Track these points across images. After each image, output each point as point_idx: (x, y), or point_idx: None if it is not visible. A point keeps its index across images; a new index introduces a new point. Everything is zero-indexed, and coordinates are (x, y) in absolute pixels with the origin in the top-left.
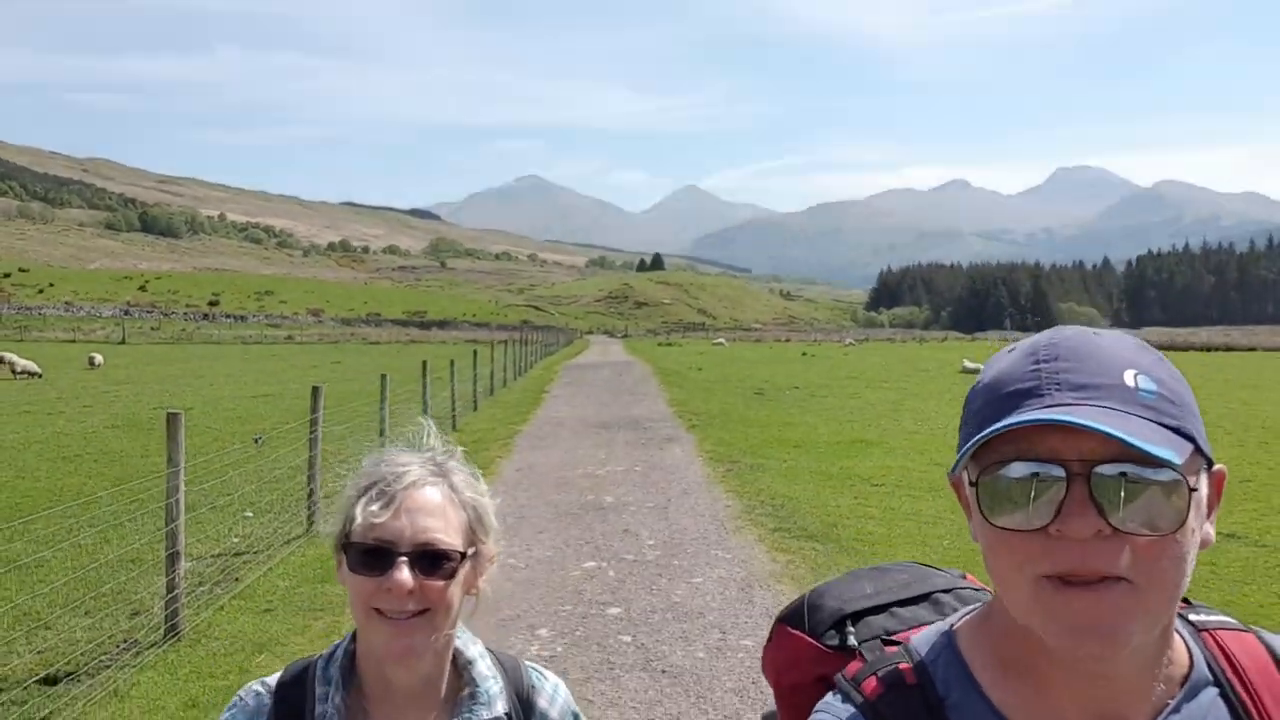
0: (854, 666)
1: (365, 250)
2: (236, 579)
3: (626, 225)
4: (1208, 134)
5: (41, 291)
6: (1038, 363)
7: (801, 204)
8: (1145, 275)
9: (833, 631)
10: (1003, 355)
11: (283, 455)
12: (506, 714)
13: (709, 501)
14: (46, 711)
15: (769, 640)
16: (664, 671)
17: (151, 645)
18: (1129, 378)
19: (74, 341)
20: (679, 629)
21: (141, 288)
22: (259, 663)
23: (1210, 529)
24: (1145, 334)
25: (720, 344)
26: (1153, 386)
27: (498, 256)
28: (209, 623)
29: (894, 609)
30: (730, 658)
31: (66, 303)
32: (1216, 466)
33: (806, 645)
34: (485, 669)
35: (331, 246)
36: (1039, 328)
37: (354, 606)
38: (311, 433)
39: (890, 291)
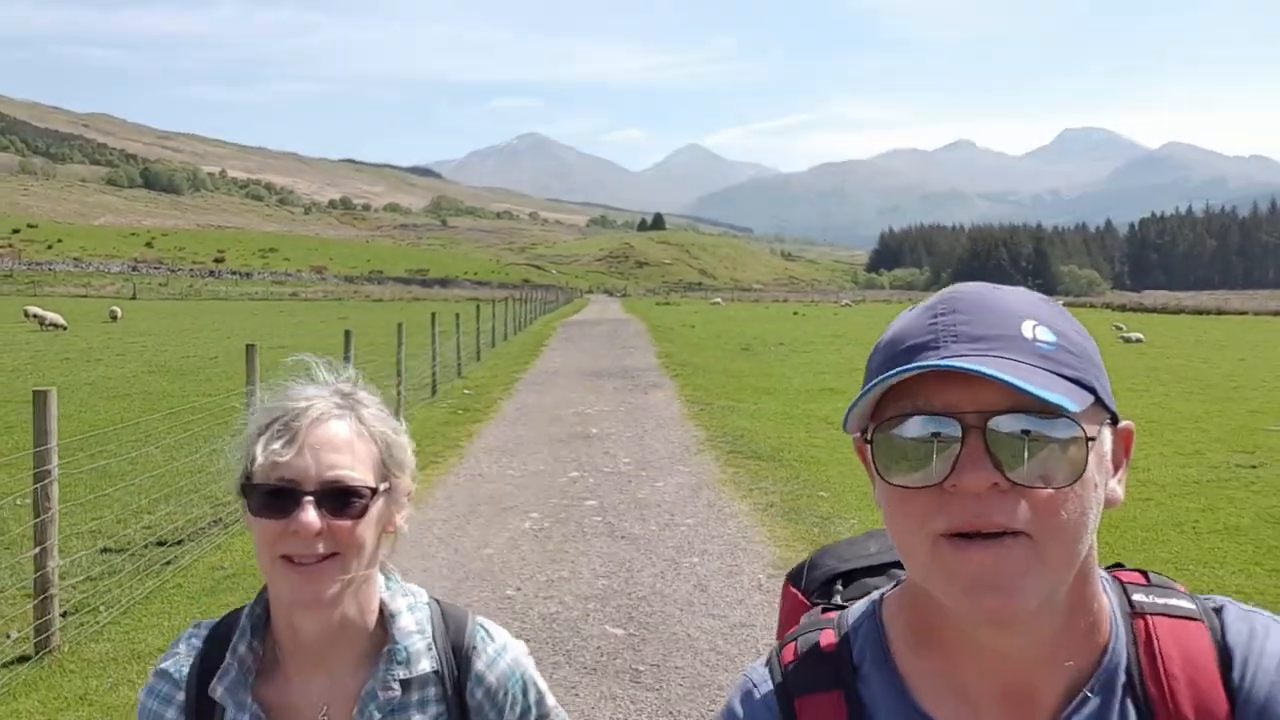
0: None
1: (366, 208)
2: None
3: (628, 184)
4: (1216, 96)
5: (50, 248)
6: (935, 316)
7: (805, 163)
8: (1148, 239)
9: (822, 590)
10: (906, 312)
11: None
12: (435, 672)
13: (680, 433)
14: (169, 558)
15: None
16: (623, 538)
17: (235, 521)
18: (1026, 329)
19: (86, 297)
20: (638, 514)
21: (148, 244)
22: None
23: (1119, 488)
24: (1145, 297)
25: (717, 303)
26: (1051, 337)
27: (499, 215)
28: None
29: (894, 569)
30: (674, 530)
31: (75, 259)
32: (1123, 423)
33: (800, 603)
34: (411, 623)
35: (332, 204)
36: (1040, 290)
37: (259, 553)
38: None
39: (891, 253)
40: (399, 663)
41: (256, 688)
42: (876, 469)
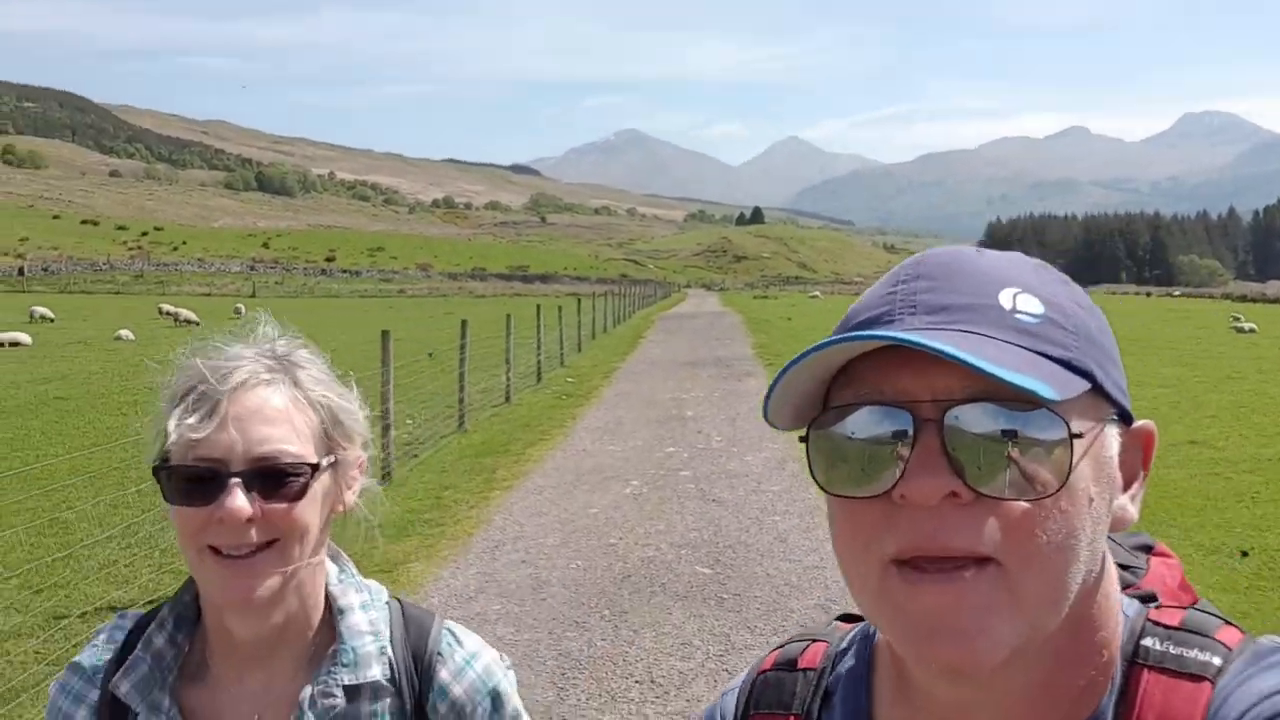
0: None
1: (468, 206)
2: (414, 455)
3: (726, 178)
4: None
5: (175, 249)
6: (896, 284)
7: (908, 154)
8: (1273, 227)
9: None
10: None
11: (420, 381)
12: (392, 680)
13: None
14: None
15: None
16: (713, 500)
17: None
18: (1005, 298)
19: (210, 295)
20: (728, 482)
21: (265, 244)
22: (445, 494)
23: (1131, 506)
24: (1268, 287)
25: (815, 297)
26: (1037, 308)
27: (597, 211)
28: (407, 476)
29: None
30: (761, 496)
31: (199, 259)
32: (1140, 423)
33: None
34: (362, 622)
35: (436, 203)
36: (1158, 282)
37: (182, 545)
38: (461, 354)
39: (1000, 244)
40: (344, 665)
41: (178, 688)
42: (814, 476)
